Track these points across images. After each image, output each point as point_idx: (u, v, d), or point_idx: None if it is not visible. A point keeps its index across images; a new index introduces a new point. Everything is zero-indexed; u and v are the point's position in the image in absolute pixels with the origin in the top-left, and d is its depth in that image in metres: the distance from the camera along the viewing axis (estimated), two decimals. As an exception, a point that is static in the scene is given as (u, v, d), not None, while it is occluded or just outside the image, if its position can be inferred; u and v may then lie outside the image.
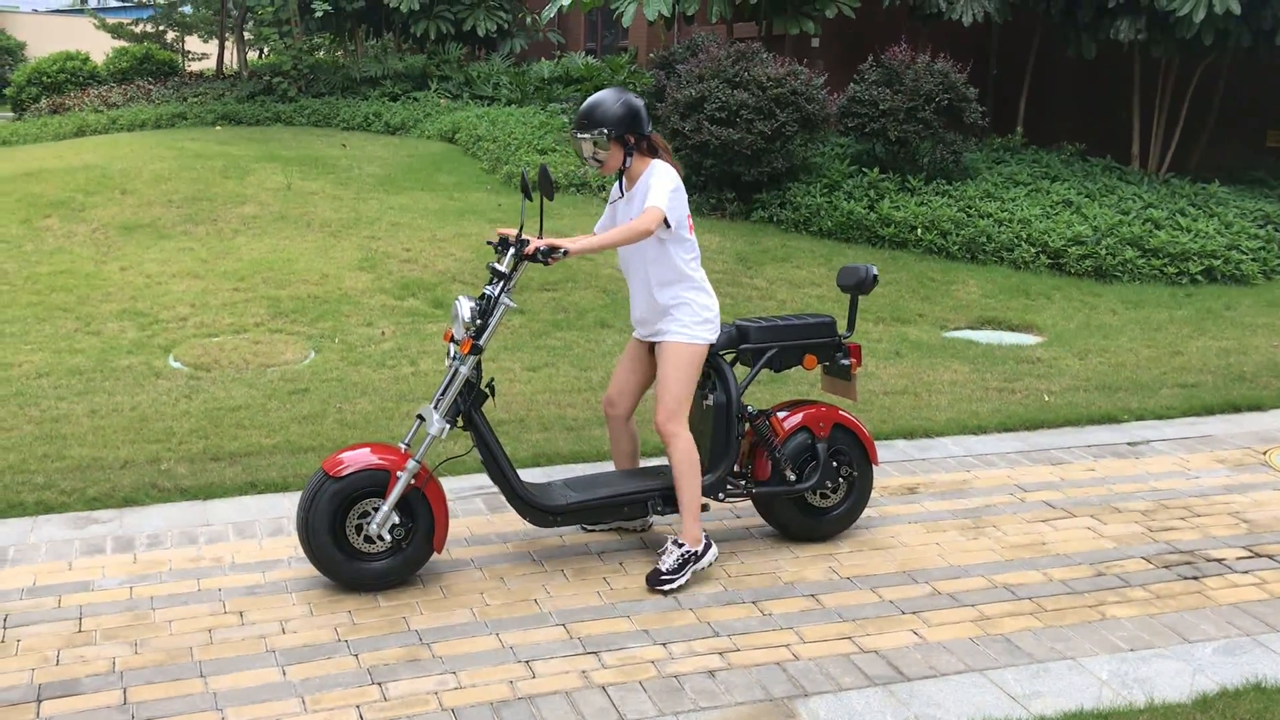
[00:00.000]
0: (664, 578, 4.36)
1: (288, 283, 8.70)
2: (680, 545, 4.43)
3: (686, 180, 11.68)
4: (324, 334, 7.69)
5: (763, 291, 9.19)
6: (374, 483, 4.23)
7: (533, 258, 4.17)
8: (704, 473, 4.57)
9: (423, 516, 4.31)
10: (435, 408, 4.27)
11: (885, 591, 4.41)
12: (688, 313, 4.42)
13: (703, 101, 11.38)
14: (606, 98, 4.39)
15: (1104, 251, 10.23)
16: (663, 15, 12.89)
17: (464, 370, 4.25)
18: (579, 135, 4.37)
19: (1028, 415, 6.55)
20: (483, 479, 5.38)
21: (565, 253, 4.19)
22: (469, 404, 4.31)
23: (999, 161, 12.69)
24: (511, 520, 4.98)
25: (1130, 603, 4.35)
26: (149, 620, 4.04)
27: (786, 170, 11.55)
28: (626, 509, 4.54)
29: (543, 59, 19.48)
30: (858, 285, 4.84)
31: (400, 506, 4.26)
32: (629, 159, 4.40)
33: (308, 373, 6.89)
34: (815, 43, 14.47)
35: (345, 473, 4.18)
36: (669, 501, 4.54)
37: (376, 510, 4.23)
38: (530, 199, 4.40)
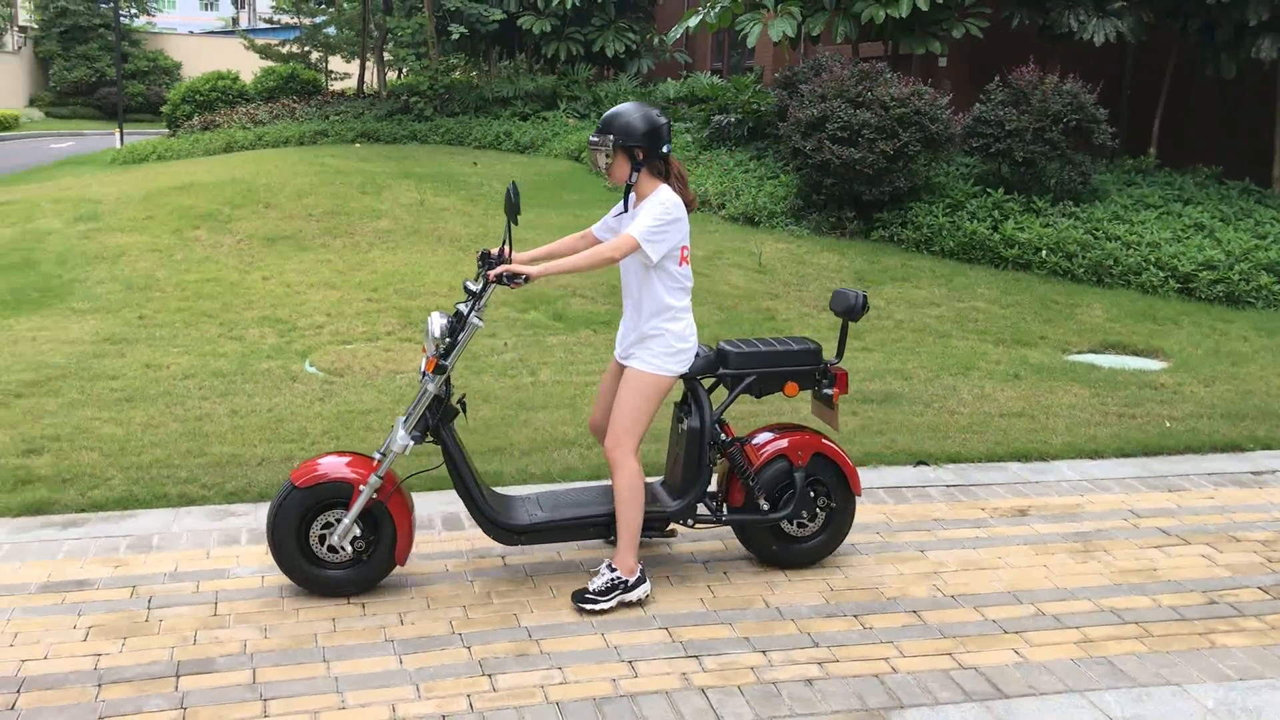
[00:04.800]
0: (588, 597, 4.33)
1: (418, 294, 9.06)
2: (613, 570, 4.38)
3: (806, 198, 11.81)
4: (449, 344, 7.98)
5: (880, 311, 9.19)
6: (339, 494, 4.29)
7: (498, 280, 4.18)
8: (675, 498, 4.57)
9: (386, 530, 4.35)
10: (404, 422, 4.32)
11: (989, 610, 4.42)
12: (660, 344, 4.36)
13: (824, 121, 11.44)
14: (626, 109, 4.35)
15: (1237, 276, 9.94)
16: (787, 35, 12.99)
17: (430, 388, 4.27)
18: (592, 140, 4.36)
19: (1147, 441, 6.44)
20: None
21: (526, 278, 4.19)
22: (437, 419, 4.33)
23: (1130, 184, 12.43)
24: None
25: (1243, 632, 4.28)
26: (278, 607, 4.30)
27: (908, 190, 11.53)
28: (592, 530, 4.51)
29: (669, 79, 19.74)
30: (847, 311, 4.68)
31: (365, 518, 4.32)
32: (635, 174, 4.33)
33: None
34: (942, 63, 14.38)
35: (309, 484, 4.26)
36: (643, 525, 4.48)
37: (340, 521, 4.31)
38: (515, 222, 4.33)
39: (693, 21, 13.81)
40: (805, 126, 11.62)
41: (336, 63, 32.82)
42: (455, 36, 19.35)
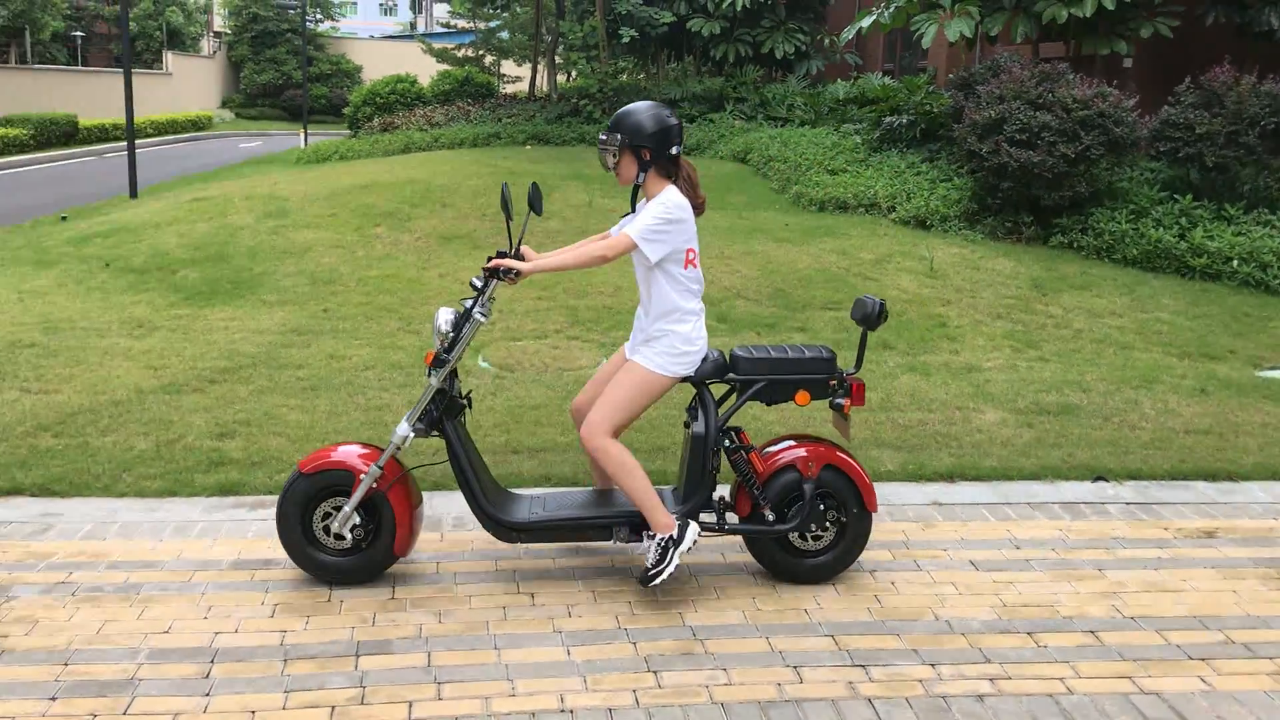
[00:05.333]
0: (651, 573, 4.31)
1: (585, 294, 9.20)
2: (654, 537, 4.36)
3: (981, 202, 11.50)
4: (615, 342, 8.08)
5: (1057, 320, 8.89)
6: (343, 482, 4.40)
7: (492, 275, 4.28)
8: (680, 502, 4.49)
9: (386, 520, 4.41)
10: (409, 415, 4.42)
11: (1172, 635, 4.22)
12: (665, 344, 4.35)
13: (1002, 123, 11.13)
14: (637, 108, 4.34)
15: None
16: (964, 36, 12.69)
17: (433, 381, 4.34)
18: (601, 139, 4.37)
19: (1350, 464, 6.05)
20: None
21: (516, 273, 4.25)
22: (440, 412, 4.39)
23: (1334, 190, 11.68)
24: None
25: None
26: (451, 594, 4.43)
27: (1089, 195, 11.11)
28: (591, 531, 4.50)
29: (839, 80, 19.53)
30: (864, 319, 4.48)
31: (367, 508, 4.42)
32: (642, 175, 4.33)
33: (600, 379, 7.27)
34: (1128, 63, 13.81)
35: (314, 470, 4.39)
36: (636, 529, 4.45)
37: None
38: (510, 217, 4.43)
39: (866, 22, 13.63)
40: (981, 128, 11.33)
41: (508, 66, 33.62)
42: (626, 40, 19.54)
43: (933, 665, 3.96)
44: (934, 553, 4.93)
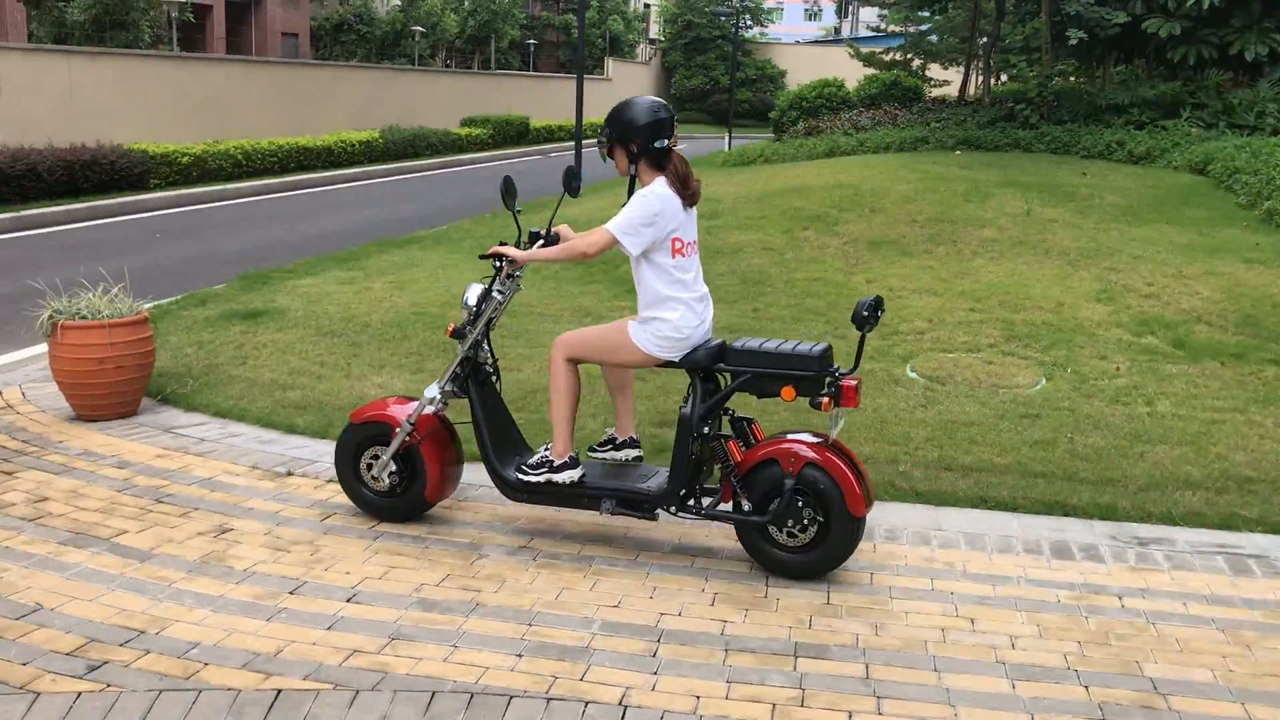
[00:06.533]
0: (523, 468, 4.77)
1: (1022, 308, 8.77)
2: (547, 450, 4.79)
3: None
4: (1056, 362, 7.64)
5: None
6: (385, 432, 4.89)
7: (495, 258, 4.72)
8: (669, 481, 4.60)
9: (419, 469, 4.85)
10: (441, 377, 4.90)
11: None
12: (654, 328, 4.57)
13: None
14: (628, 103, 4.57)
15: None
16: None
17: (461, 349, 4.77)
18: (599, 132, 4.65)
19: None
20: (1226, 536, 5.05)
21: (511, 261, 4.68)
22: (466, 375, 4.80)
23: None
24: (1254, 588, 4.59)
25: None
26: (887, 607, 4.35)
27: None
28: (583, 500, 4.72)
29: (1321, 85, 17.41)
30: (854, 318, 4.35)
31: (404, 458, 4.86)
32: (633, 167, 4.57)
33: (1039, 398, 6.90)
34: None
35: (358, 421, 4.94)
36: (625, 504, 4.65)
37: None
38: (511, 209, 4.88)
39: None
40: None
41: (935, 70, 32.90)
42: (1073, 41, 18.40)
43: None
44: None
